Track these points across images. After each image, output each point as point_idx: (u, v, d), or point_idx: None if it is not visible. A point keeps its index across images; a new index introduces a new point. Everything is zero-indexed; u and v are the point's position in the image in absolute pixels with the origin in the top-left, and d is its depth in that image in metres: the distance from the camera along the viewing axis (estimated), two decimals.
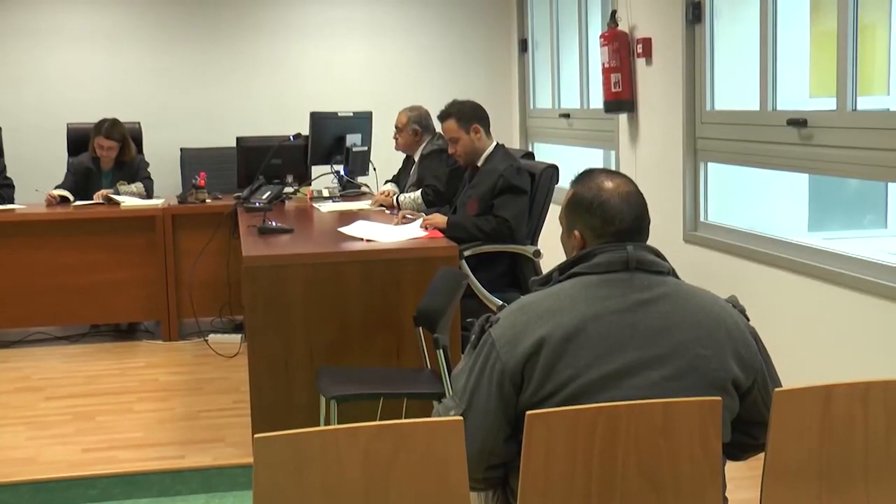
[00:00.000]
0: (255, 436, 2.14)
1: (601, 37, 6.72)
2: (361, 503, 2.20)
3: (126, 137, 7.37)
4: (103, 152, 7.28)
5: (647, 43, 6.35)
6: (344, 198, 6.83)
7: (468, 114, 5.54)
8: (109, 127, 7.25)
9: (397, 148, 6.75)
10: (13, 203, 7.21)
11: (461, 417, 2.25)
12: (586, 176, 2.60)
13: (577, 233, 2.55)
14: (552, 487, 2.25)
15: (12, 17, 8.60)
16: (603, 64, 6.69)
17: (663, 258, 2.50)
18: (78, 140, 7.73)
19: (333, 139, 7.13)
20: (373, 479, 2.19)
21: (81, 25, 8.73)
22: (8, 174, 7.44)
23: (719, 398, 2.25)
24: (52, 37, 8.69)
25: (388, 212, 6.09)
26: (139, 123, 8.03)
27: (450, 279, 4.28)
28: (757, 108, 5.27)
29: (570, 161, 7.06)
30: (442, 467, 2.22)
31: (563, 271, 2.51)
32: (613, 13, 6.67)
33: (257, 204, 6.29)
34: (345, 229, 5.09)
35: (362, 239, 4.89)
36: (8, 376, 6.22)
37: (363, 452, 2.19)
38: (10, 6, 8.59)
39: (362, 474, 2.19)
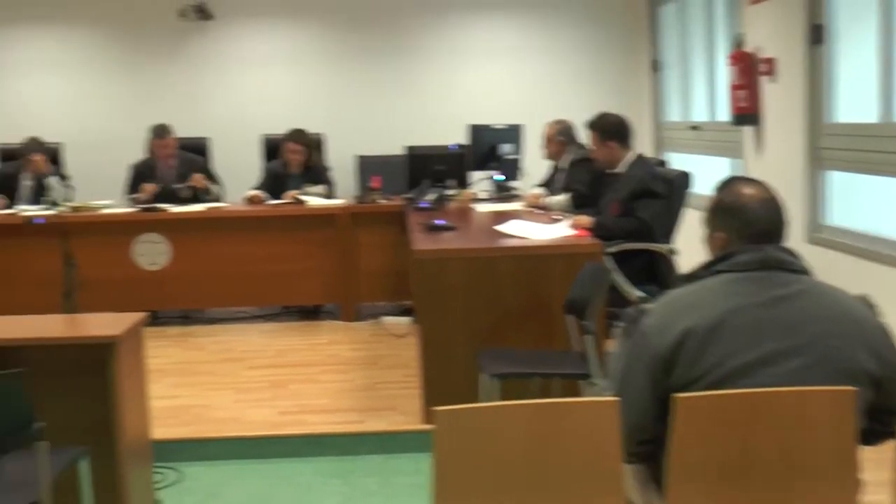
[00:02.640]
0: (436, 408, 2.15)
1: (729, 57, 6.55)
2: (525, 471, 2.19)
3: (311, 145, 7.49)
4: (292, 155, 7.38)
5: (770, 62, 6.16)
6: (498, 200, 6.82)
7: (607, 130, 5.49)
8: (297, 134, 7.39)
9: (546, 157, 6.71)
10: (220, 200, 7.40)
11: (616, 398, 2.23)
12: (728, 183, 2.54)
13: (719, 234, 2.48)
14: (697, 464, 2.21)
15: (217, 44, 8.84)
16: (730, 81, 6.53)
17: (799, 258, 2.42)
18: (271, 148, 7.90)
19: (489, 148, 7.16)
20: (535, 450, 2.18)
21: (274, 50, 8.93)
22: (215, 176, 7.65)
23: (853, 388, 2.17)
24: (249, 60, 8.90)
25: (537, 212, 6.06)
26: (322, 134, 8.15)
27: (596, 273, 4.23)
28: (877, 120, 5.06)
29: (698, 169, 6.91)
30: (598, 442, 2.20)
31: (707, 269, 2.45)
32: (740, 36, 6.50)
33: (424, 204, 6.33)
34: (501, 227, 5.08)
35: (517, 236, 4.87)
36: (217, 348, 6.39)
37: (527, 426, 2.19)
38: (214, 35, 8.83)
39: (526, 446, 2.18)
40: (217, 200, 7.33)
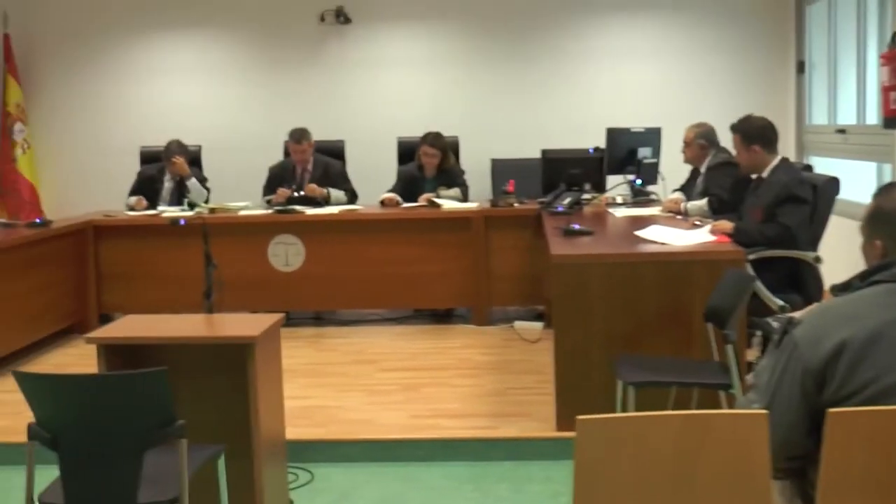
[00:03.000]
0: (579, 417, 2.10)
1: (881, 57, 6.30)
2: (671, 484, 2.13)
3: (446, 148, 7.50)
4: (427, 159, 7.42)
5: None
6: (635, 204, 6.75)
7: (752, 134, 5.32)
8: (433, 137, 7.42)
9: (686, 161, 6.57)
10: (355, 203, 7.49)
11: (765, 411, 2.15)
12: (889, 189, 2.43)
13: (878, 242, 2.37)
14: (851, 483, 2.12)
15: (355, 47, 8.93)
16: (882, 82, 6.28)
17: None
18: (406, 151, 7.96)
19: (626, 152, 7.07)
20: (682, 463, 2.12)
21: (410, 53, 8.95)
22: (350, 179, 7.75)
23: None
24: (386, 63, 8.95)
25: (678, 217, 5.95)
26: (457, 137, 8.16)
27: (738, 280, 4.11)
28: None
29: (843, 174, 6.67)
30: (745, 456, 2.13)
31: (863, 278, 2.34)
32: (894, 35, 6.24)
33: (560, 209, 6.28)
34: (641, 233, 5.02)
35: (656, 242, 4.80)
36: (348, 349, 6.46)
37: (673, 438, 2.12)
38: (352, 38, 8.93)
39: (672, 458, 2.12)
40: (347, 203, 7.42)
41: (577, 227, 5.26)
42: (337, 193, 7.48)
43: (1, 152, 8.85)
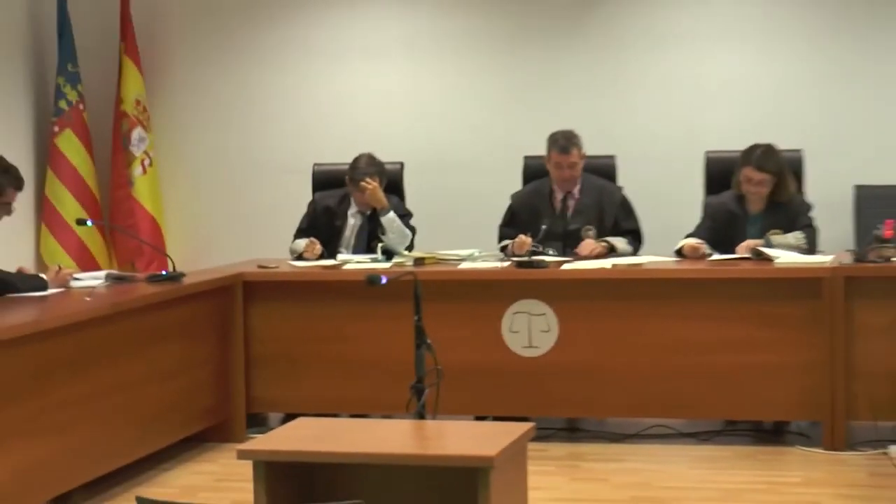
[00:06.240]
0: None
1: None
2: None
3: (783, 170, 7.39)
4: (753, 187, 7.36)
5: None
6: None
7: None
8: (762, 154, 7.33)
9: None
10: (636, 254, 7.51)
11: None
12: None
13: None
14: None
15: (626, 19, 9.03)
16: None
17: None
18: (717, 173, 7.93)
19: None
20: None
21: (728, 18, 8.99)
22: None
23: None
24: (690, 35, 8.97)
25: None
26: (800, 152, 8.04)
27: None
28: None
29: None
30: None
31: None
32: None
33: None
34: None
35: None
36: (622, 481, 6.46)
37: None
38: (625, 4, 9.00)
39: None
40: (630, 254, 7.49)
41: None
42: (623, 245, 7.55)
43: (112, 171, 9.27)
